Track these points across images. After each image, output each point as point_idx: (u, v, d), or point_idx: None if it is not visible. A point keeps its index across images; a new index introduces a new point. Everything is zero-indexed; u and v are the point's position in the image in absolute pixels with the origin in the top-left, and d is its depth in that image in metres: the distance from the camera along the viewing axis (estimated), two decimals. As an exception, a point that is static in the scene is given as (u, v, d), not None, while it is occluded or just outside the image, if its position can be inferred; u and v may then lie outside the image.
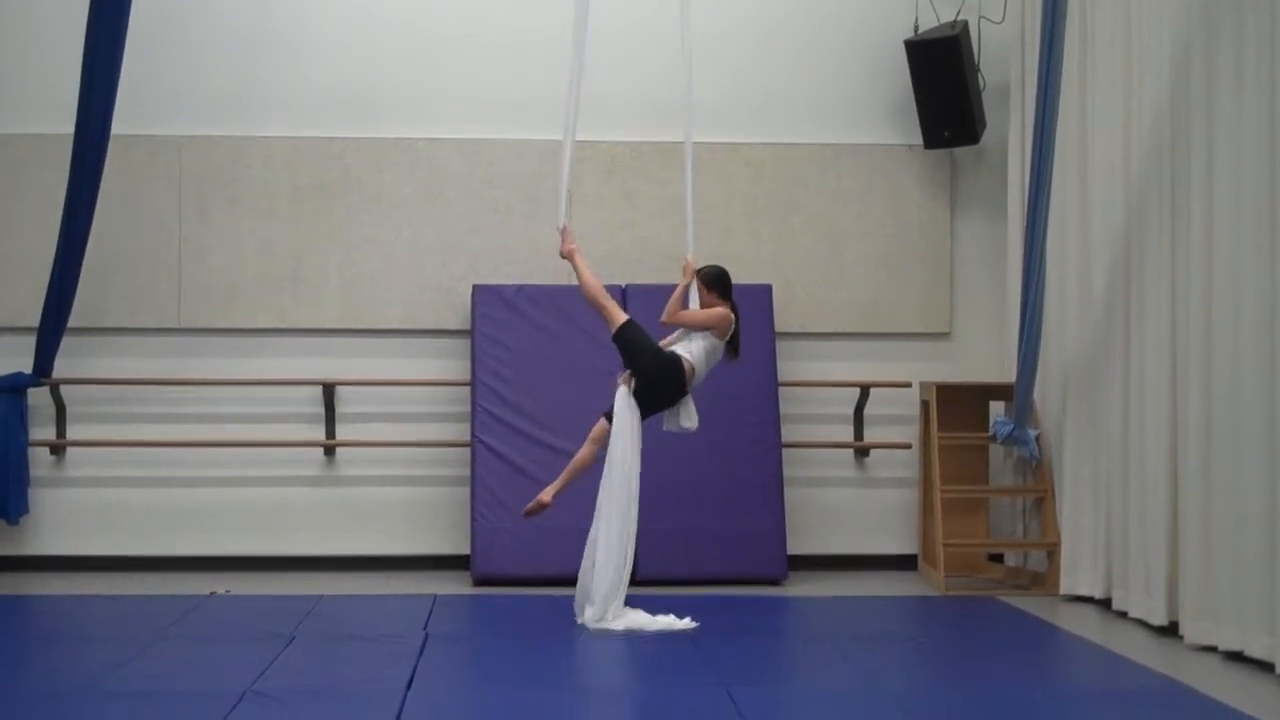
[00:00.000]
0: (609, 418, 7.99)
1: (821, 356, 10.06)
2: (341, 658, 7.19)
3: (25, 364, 9.48)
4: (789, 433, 9.76)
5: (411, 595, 8.86)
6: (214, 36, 9.87)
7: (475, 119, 9.97)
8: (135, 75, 9.27)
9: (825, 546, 9.96)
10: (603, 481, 7.90)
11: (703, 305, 8.22)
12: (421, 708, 6.18)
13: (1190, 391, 7.62)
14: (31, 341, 9.42)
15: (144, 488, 9.75)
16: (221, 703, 6.11)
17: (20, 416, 9.51)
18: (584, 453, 8.04)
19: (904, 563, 9.99)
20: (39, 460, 9.69)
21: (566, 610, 8.19)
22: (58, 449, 9.73)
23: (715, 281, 8.26)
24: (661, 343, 8.13)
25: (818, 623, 8.37)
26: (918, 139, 9.98)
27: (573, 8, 8.19)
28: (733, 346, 8.26)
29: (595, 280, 8.19)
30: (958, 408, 9.64)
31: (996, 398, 9.77)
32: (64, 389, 9.66)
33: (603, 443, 7.98)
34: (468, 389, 9.63)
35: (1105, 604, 8.62)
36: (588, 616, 7.82)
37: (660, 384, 8.00)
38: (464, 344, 9.79)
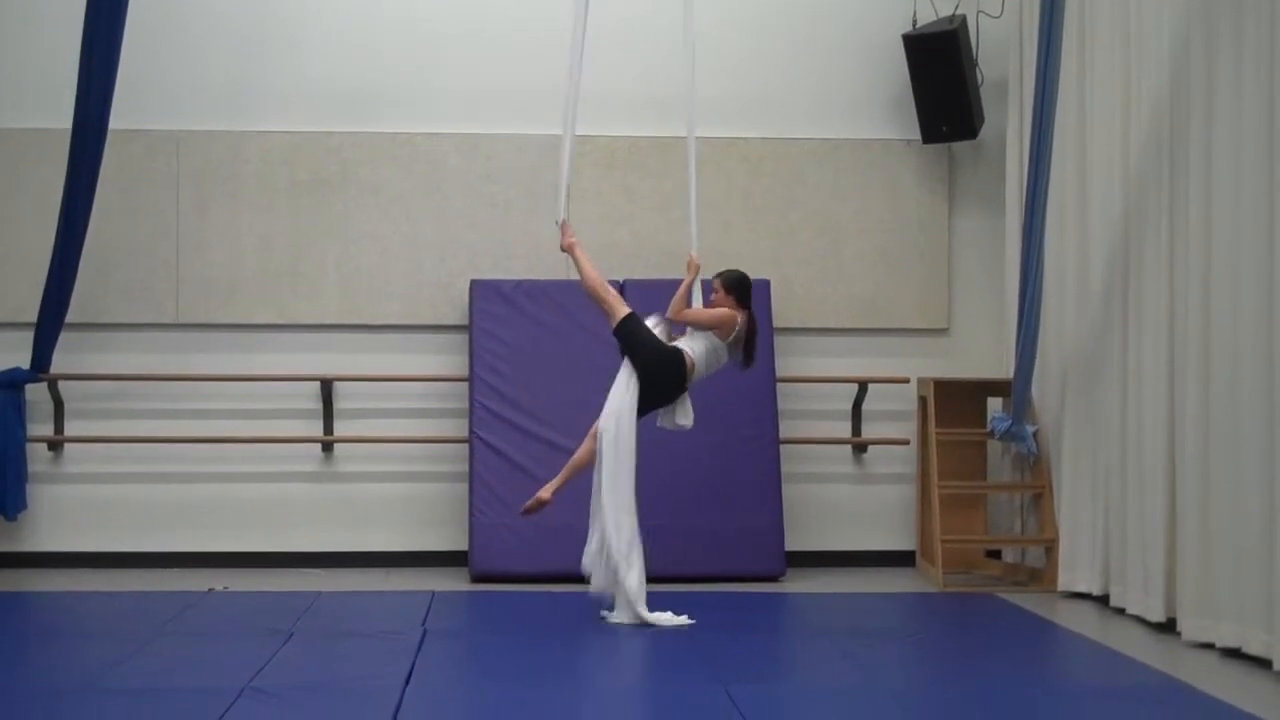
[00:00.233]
0: None
1: (819, 352, 10.05)
2: (340, 654, 7.19)
3: (23, 359, 9.47)
4: (787, 429, 9.76)
5: (410, 592, 8.86)
6: (212, 31, 9.86)
7: (474, 114, 9.97)
8: (133, 70, 9.25)
9: (823, 543, 9.96)
10: (598, 459, 7.81)
11: (714, 305, 8.15)
12: (420, 704, 6.18)
13: (1189, 387, 7.62)
14: (29, 337, 9.41)
15: (142, 484, 9.74)
16: (220, 699, 6.11)
17: (18, 412, 9.50)
18: (584, 450, 7.95)
19: (902, 559, 9.99)
20: (37, 456, 9.68)
21: (565, 607, 8.20)
22: (55, 445, 9.72)
23: (734, 285, 8.14)
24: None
25: (816, 619, 8.38)
26: (916, 134, 9.97)
27: (571, 3, 8.16)
28: (747, 353, 8.18)
29: (596, 274, 8.15)
30: (956, 403, 9.64)
31: (994, 393, 9.77)
32: (62, 385, 9.65)
33: None
34: (466, 385, 9.63)
35: (1103, 600, 8.62)
36: (618, 616, 7.77)
37: (661, 379, 7.94)
38: (462, 339, 9.79)
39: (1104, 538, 8.64)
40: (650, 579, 9.07)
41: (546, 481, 8.08)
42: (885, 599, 8.87)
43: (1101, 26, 8.71)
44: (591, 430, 7.95)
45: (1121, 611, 8.35)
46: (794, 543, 9.66)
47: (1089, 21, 8.85)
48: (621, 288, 9.31)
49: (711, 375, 8.16)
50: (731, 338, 8.06)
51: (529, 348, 9.58)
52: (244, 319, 9.84)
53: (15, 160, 9.71)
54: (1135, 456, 8.23)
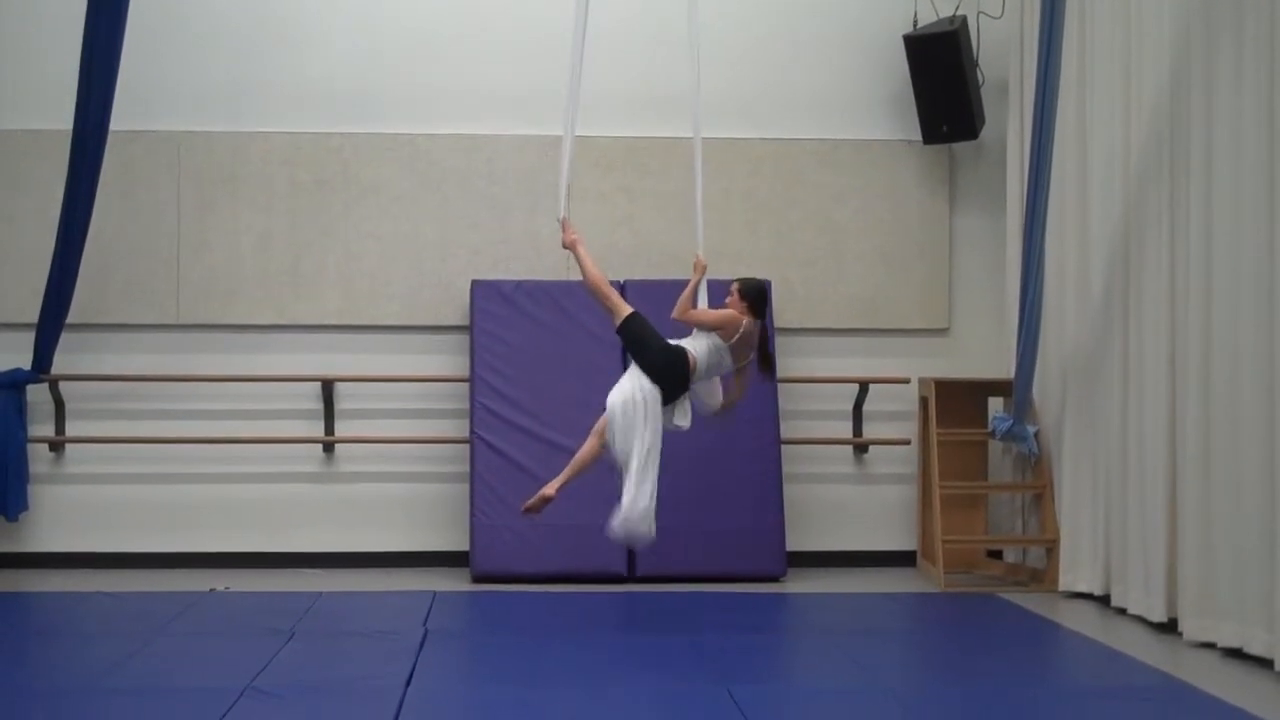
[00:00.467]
0: None
1: (820, 352, 10.05)
2: (341, 654, 7.19)
3: (24, 360, 9.47)
4: (788, 429, 9.76)
5: (411, 592, 8.86)
6: (213, 32, 9.86)
7: (474, 114, 9.97)
8: (134, 70, 9.25)
9: (824, 543, 9.95)
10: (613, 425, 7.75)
11: (724, 308, 8.12)
12: (421, 704, 6.18)
13: (1189, 387, 7.62)
14: (30, 338, 9.41)
15: (143, 484, 9.74)
16: (221, 699, 6.11)
17: (19, 413, 9.50)
18: (588, 447, 7.88)
19: (903, 559, 9.99)
20: (38, 457, 9.69)
21: (566, 607, 8.20)
22: (57, 445, 9.72)
23: (750, 293, 8.09)
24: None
25: (817, 620, 8.38)
26: (916, 134, 9.98)
27: (572, 4, 8.15)
28: (765, 362, 8.19)
29: (598, 272, 8.13)
30: (957, 404, 9.64)
31: (995, 394, 9.77)
32: (63, 385, 9.65)
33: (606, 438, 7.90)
34: (467, 385, 9.62)
35: (1104, 600, 8.62)
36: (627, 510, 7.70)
37: (665, 377, 7.92)
38: (463, 340, 9.79)
39: (1105, 538, 8.64)
40: (651, 579, 9.13)
41: (548, 481, 8.05)
42: (886, 599, 8.87)
43: (1102, 27, 8.71)
44: (595, 428, 7.88)
45: (1123, 611, 8.35)
46: (795, 543, 9.66)
47: (1089, 22, 8.85)
48: (622, 288, 9.29)
49: (712, 376, 8.13)
50: (735, 339, 8.02)
51: (530, 348, 9.58)
52: (245, 319, 9.84)
53: (16, 161, 9.71)
54: (1136, 456, 8.23)
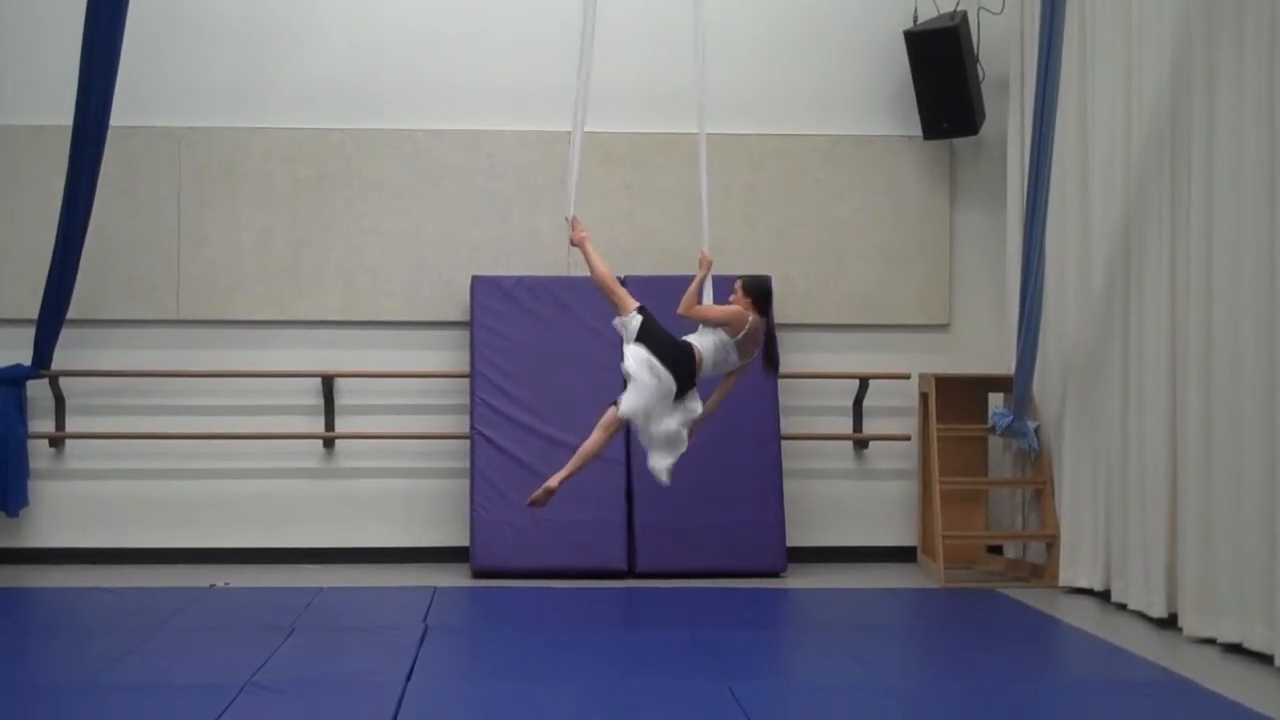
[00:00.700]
0: (618, 405, 7.84)
1: (820, 348, 10.05)
2: (341, 650, 7.20)
3: (24, 356, 9.47)
4: (788, 425, 9.76)
5: (411, 587, 8.86)
6: (214, 28, 9.85)
7: (475, 110, 9.96)
8: (134, 66, 9.25)
9: (824, 539, 9.96)
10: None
11: (730, 304, 8.11)
12: (421, 700, 6.18)
13: (1190, 383, 7.62)
14: (30, 333, 9.41)
15: (143, 480, 9.75)
16: (221, 695, 6.11)
17: (19, 409, 9.50)
18: (593, 440, 7.79)
19: (903, 555, 9.99)
20: (38, 452, 9.69)
21: (566, 603, 8.20)
22: (57, 441, 9.73)
23: (754, 289, 8.03)
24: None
25: (817, 615, 8.38)
26: (917, 130, 9.97)
27: (574, 1, 8.12)
28: (769, 358, 8.18)
29: (606, 268, 8.10)
30: (957, 399, 9.64)
31: (996, 389, 9.77)
32: (63, 381, 9.65)
33: (612, 431, 7.89)
34: (467, 381, 9.63)
35: (1104, 596, 8.62)
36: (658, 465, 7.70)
37: (672, 372, 7.88)
38: (463, 335, 9.79)
39: (1105, 533, 8.64)
40: (652, 575, 9.13)
41: (548, 476, 8.00)
42: (886, 594, 8.87)
43: (1102, 22, 8.71)
44: (601, 421, 7.78)
45: (1123, 607, 8.35)
46: (795, 538, 9.67)
47: (1090, 17, 8.84)
48: (624, 284, 9.29)
49: (718, 373, 8.10)
50: (740, 335, 8.00)
51: (530, 344, 9.58)
52: (245, 315, 9.84)
53: (16, 157, 9.71)
54: (1136, 452, 8.23)
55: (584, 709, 6.18)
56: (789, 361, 9.85)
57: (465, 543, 9.45)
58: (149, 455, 9.74)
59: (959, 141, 10.10)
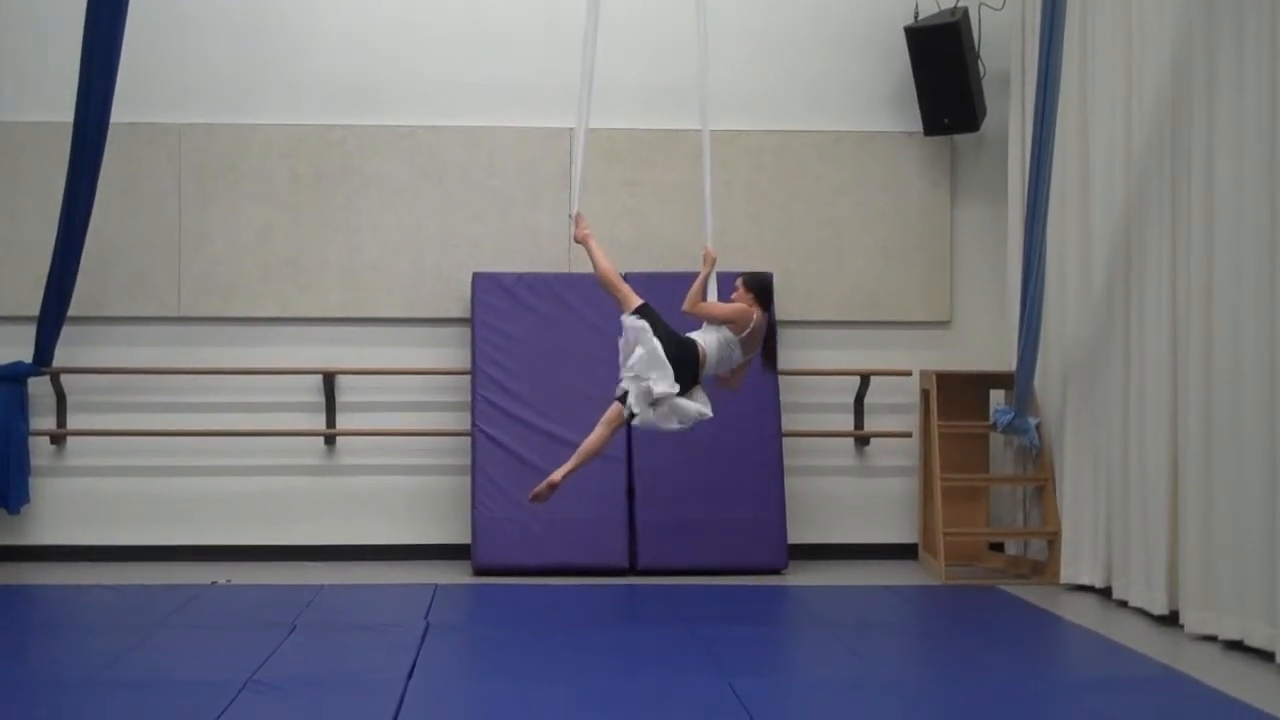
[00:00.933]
0: (623, 400, 7.86)
1: (821, 345, 10.05)
2: (342, 647, 7.20)
3: (25, 353, 9.47)
4: (789, 422, 9.76)
5: (412, 585, 8.86)
6: (214, 24, 9.85)
7: (476, 107, 9.95)
8: (135, 63, 9.24)
9: (825, 536, 9.96)
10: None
11: (732, 302, 8.10)
12: (422, 697, 6.18)
13: (1190, 381, 7.62)
14: (31, 331, 9.41)
15: (144, 477, 9.75)
16: (223, 692, 6.11)
17: (21, 406, 9.50)
18: (596, 435, 7.83)
19: (904, 552, 9.99)
20: (39, 449, 9.69)
21: (567, 600, 8.19)
22: (58, 438, 9.73)
23: (755, 285, 8.11)
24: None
25: (818, 612, 8.38)
26: (918, 126, 9.97)
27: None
28: (768, 355, 8.18)
29: (609, 265, 8.11)
30: (958, 396, 9.63)
31: (997, 386, 9.77)
32: (64, 378, 9.65)
33: (615, 426, 7.89)
34: (468, 378, 9.62)
35: (1106, 593, 8.62)
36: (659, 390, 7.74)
37: (675, 369, 7.88)
38: (464, 332, 9.78)
39: (1106, 530, 8.63)
40: (652, 572, 9.12)
41: (549, 473, 7.99)
42: (887, 592, 8.86)
43: (1103, 19, 8.70)
44: (603, 417, 7.82)
45: (1124, 604, 8.35)
46: (796, 535, 9.67)
47: (1091, 14, 8.83)
48: (626, 281, 9.29)
49: (720, 370, 8.10)
50: (745, 333, 8.00)
51: (531, 341, 9.58)
52: (246, 312, 9.84)
53: (17, 154, 9.70)
54: (1138, 449, 8.23)
55: (585, 706, 6.18)
56: (790, 358, 9.88)
57: (466, 540, 9.45)
58: (150, 452, 9.74)
59: (960, 138, 10.09)
